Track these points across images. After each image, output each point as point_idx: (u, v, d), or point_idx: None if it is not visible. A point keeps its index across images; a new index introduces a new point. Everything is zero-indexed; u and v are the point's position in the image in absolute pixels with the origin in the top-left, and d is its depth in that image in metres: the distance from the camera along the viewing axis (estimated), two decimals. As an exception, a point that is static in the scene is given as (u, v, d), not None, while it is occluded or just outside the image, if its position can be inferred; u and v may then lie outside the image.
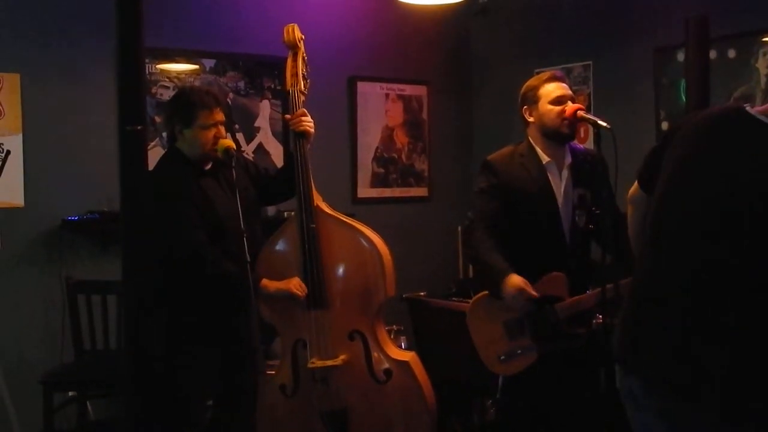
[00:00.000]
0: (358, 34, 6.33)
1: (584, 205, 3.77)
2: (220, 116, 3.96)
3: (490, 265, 3.72)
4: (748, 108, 2.43)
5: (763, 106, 2.42)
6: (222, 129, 3.97)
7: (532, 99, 3.80)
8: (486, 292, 3.80)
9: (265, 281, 3.94)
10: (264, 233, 4.14)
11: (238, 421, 4.03)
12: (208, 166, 3.98)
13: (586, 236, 3.84)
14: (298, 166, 4.05)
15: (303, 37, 4.17)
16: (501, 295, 3.67)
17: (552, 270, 3.71)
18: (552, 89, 3.77)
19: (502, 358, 3.76)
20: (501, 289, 3.65)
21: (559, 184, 3.79)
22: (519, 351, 3.72)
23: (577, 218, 3.78)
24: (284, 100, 5.84)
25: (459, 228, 3.93)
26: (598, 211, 3.71)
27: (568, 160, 3.82)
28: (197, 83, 5.61)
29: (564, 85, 3.82)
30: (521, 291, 3.61)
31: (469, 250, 3.97)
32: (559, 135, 3.75)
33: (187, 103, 3.96)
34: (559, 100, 3.75)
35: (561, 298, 3.71)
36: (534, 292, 3.62)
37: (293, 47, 4.16)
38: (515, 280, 3.62)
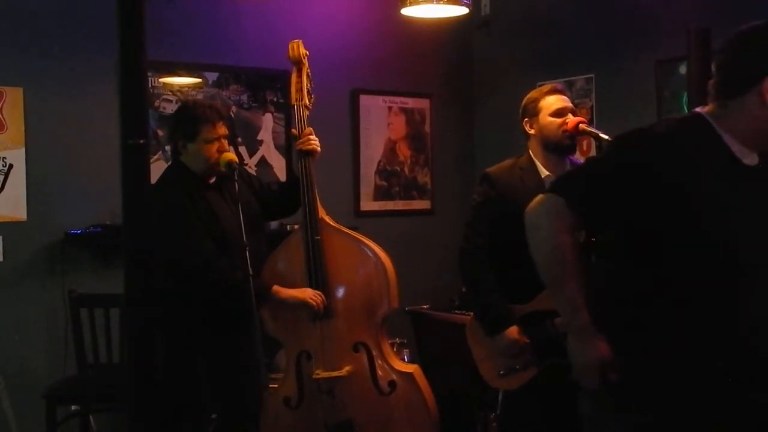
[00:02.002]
0: (360, 47, 6.35)
1: None
2: (222, 130, 3.98)
3: (490, 308, 3.75)
4: (699, 109, 2.53)
5: (709, 106, 2.50)
6: (225, 143, 3.99)
7: (533, 111, 3.80)
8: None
9: (276, 287, 3.95)
10: (268, 247, 4.16)
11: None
12: (212, 180, 3.99)
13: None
14: (303, 183, 4.07)
15: (307, 53, 4.22)
16: (494, 337, 3.71)
17: None
18: (553, 101, 3.77)
19: (502, 372, 3.74)
20: (496, 335, 3.70)
21: None
22: (518, 366, 3.71)
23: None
24: (287, 114, 5.88)
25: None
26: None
27: None
28: (200, 96, 5.62)
29: (565, 97, 3.82)
30: (515, 343, 3.66)
31: (466, 279, 3.96)
32: (560, 147, 3.75)
33: (189, 118, 3.98)
34: (560, 113, 3.75)
35: (560, 312, 3.70)
36: (526, 339, 3.67)
37: (298, 63, 4.21)
38: (513, 332, 3.67)
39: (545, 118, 3.76)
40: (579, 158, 3.96)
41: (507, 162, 3.90)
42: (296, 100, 4.17)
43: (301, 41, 4.22)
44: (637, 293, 2.49)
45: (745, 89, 2.37)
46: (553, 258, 2.55)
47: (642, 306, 2.47)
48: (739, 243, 2.37)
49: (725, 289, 2.37)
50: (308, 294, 3.97)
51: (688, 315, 2.39)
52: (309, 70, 4.22)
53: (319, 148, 4.15)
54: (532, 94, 3.87)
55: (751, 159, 2.44)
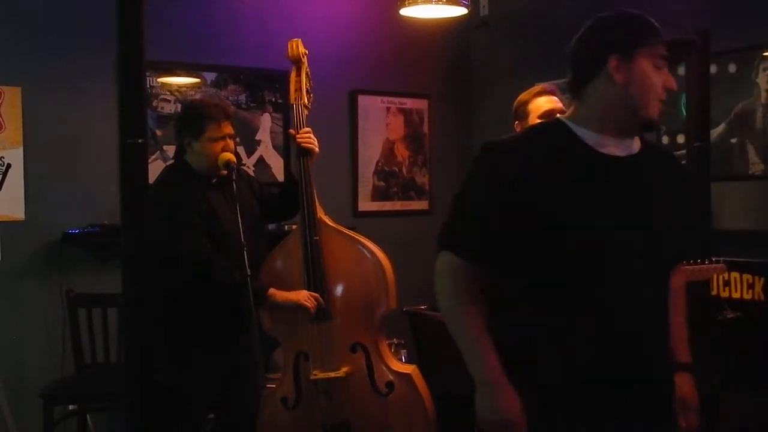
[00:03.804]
0: (359, 47, 6.34)
1: None
2: (228, 129, 3.98)
3: None
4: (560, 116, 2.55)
5: (570, 111, 2.49)
6: (231, 142, 3.99)
7: (523, 114, 3.77)
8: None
9: (272, 290, 3.95)
10: (267, 247, 4.16)
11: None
12: (215, 180, 3.99)
13: None
14: (302, 183, 4.06)
15: (307, 52, 4.20)
16: None
17: None
18: (542, 103, 3.75)
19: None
20: None
21: None
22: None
23: None
24: (285, 114, 5.88)
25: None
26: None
27: None
28: (198, 96, 5.62)
29: (555, 98, 3.79)
30: None
31: None
32: None
33: (195, 116, 3.99)
34: (548, 114, 3.72)
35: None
36: None
37: (297, 62, 4.19)
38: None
39: (534, 121, 3.74)
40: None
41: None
42: (295, 99, 4.15)
43: (300, 40, 4.20)
44: (510, 304, 2.44)
45: (594, 73, 2.39)
46: (454, 326, 2.48)
47: (511, 313, 2.43)
48: (602, 236, 2.31)
49: (591, 286, 2.32)
50: (302, 296, 3.96)
51: (555, 320, 2.35)
52: (308, 69, 4.21)
53: (317, 148, 4.14)
54: (522, 96, 3.84)
55: (618, 148, 2.41)
